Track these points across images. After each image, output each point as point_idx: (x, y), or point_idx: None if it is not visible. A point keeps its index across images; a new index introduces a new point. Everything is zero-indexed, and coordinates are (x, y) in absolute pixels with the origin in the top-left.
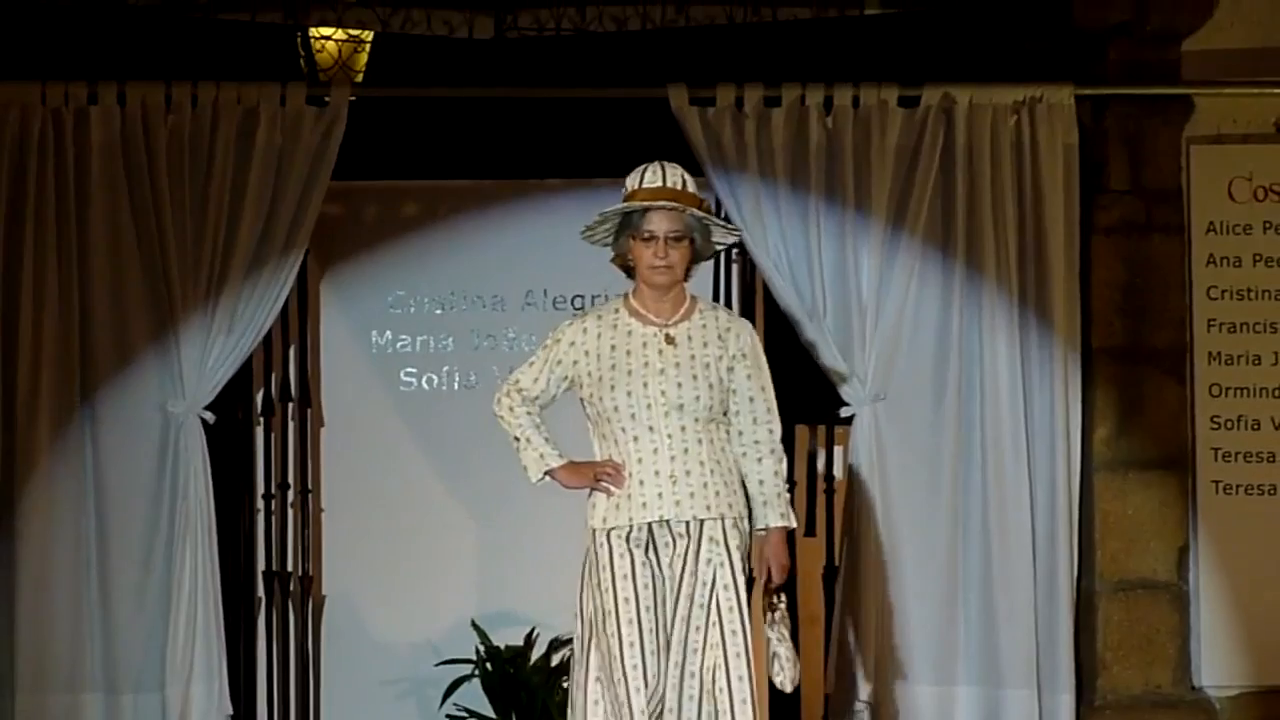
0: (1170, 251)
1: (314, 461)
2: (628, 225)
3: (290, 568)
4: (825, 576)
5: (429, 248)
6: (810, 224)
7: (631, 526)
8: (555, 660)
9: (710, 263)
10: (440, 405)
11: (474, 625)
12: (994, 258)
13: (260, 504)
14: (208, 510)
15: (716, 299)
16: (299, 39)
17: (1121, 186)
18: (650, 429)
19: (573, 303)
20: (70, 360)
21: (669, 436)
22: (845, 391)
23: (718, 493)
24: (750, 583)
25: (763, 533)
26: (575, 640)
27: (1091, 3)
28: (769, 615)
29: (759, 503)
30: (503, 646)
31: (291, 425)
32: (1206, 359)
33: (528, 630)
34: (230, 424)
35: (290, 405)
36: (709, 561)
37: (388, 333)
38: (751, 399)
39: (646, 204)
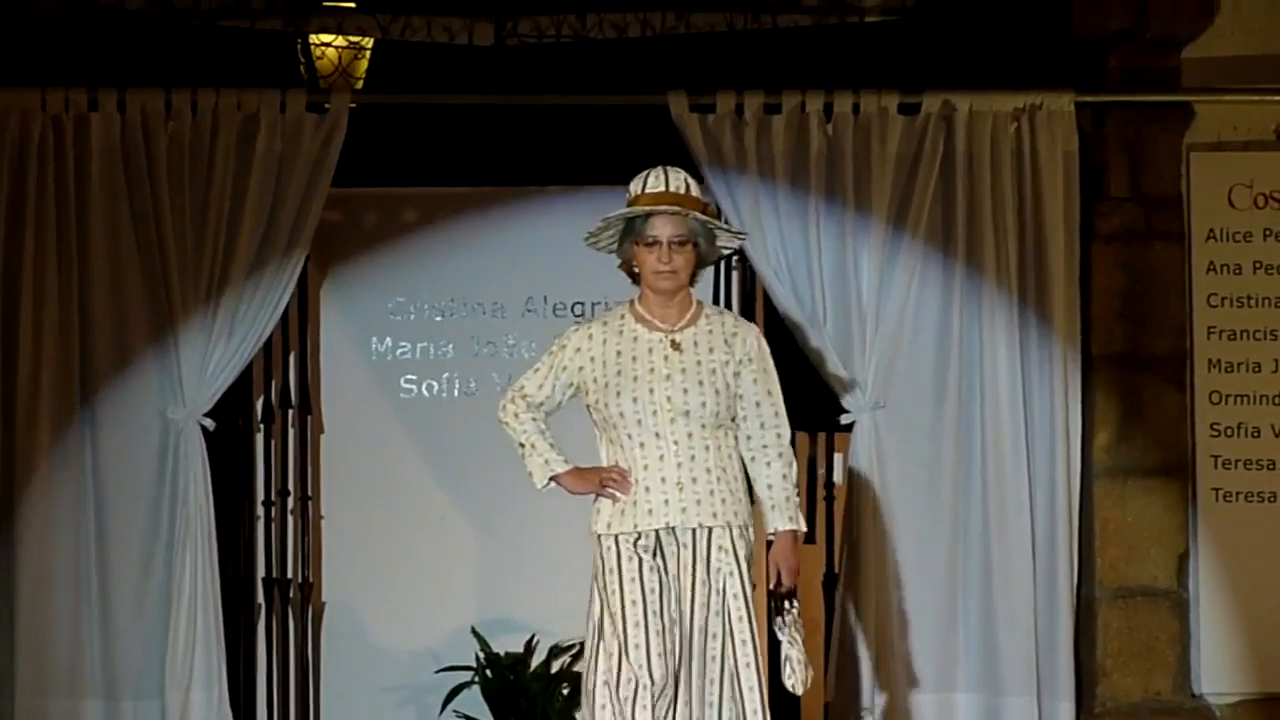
0: (1170, 258)
1: (314, 468)
2: (631, 231)
3: (290, 574)
4: (825, 583)
5: (429, 254)
6: (810, 231)
7: (638, 533)
8: (555, 667)
9: (710, 269)
10: (440, 412)
11: (474, 632)
12: (994, 265)
13: (260, 510)
14: (207, 516)
15: (717, 303)
16: (299, 46)
17: (1122, 193)
18: (657, 435)
19: (573, 309)
20: (70, 366)
21: (675, 443)
22: (845, 398)
23: (724, 500)
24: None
25: (772, 537)
26: (586, 646)
27: (1092, 10)
28: (779, 619)
29: (768, 507)
30: (503, 653)
31: (291, 432)
32: (1206, 366)
33: (528, 637)
34: (230, 430)
35: (290, 412)
36: (719, 570)
37: (388, 339)
38: (758, 403)
39: (649, 209)
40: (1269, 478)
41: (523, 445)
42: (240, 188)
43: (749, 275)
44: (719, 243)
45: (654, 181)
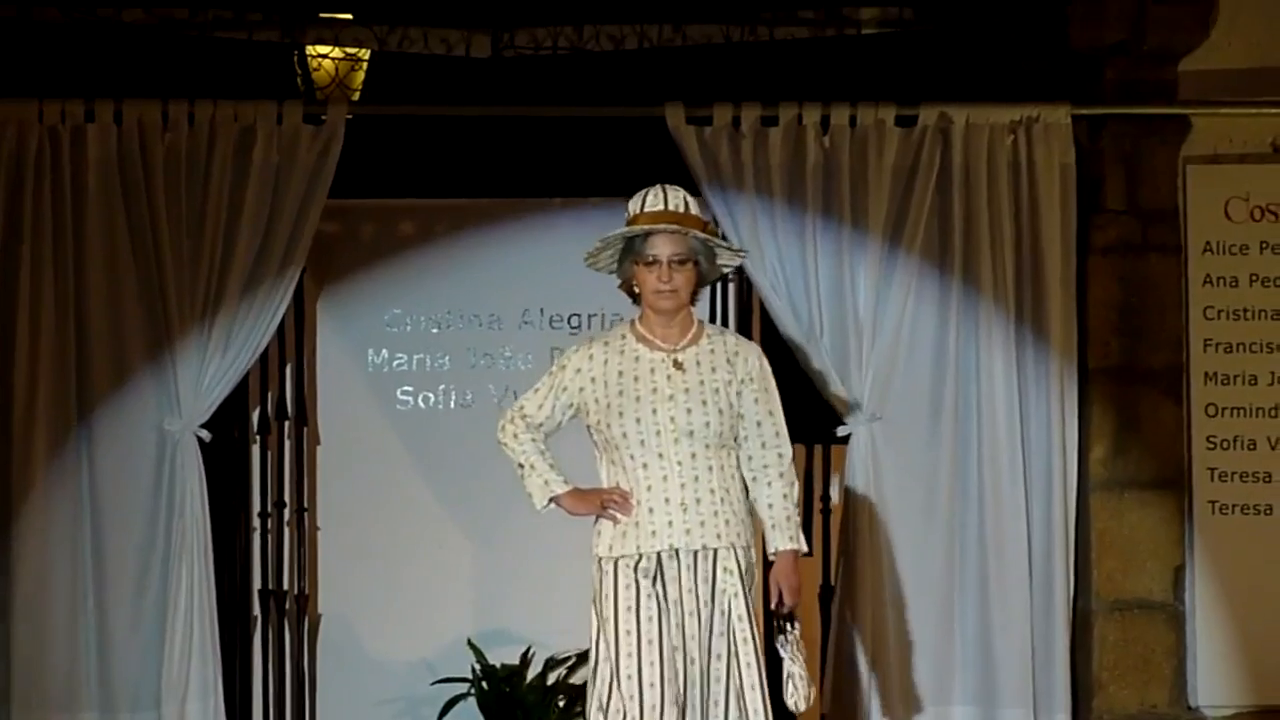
0: (1167, 271)
1: (310, 480)
2: (631, 250)
3: (286, 586)
4: (822, 596)
5: (425, 266)
6: (807, 243)
7: (640, 556)
8: (551, 679)
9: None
10: (436, 424)
11: (470, 644)
12: (991, 277)
13: (256, 522)
14: (204, 528)
15: (714, 319)
16: (296, 57)
17: (1118, 206)
18: (660, 455)
19: (569, 322)
20: (66, 378)
21: (679, 463)
22: (841, 410)
23: (728, 521)
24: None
25: (773, 556)
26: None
27: (1088, 23)
28: (780, 637)
29: (769, 526)
30: (498, 665)
31: (287, 444)
32: (1203, 379)
33: (524, 649)
34: (226, 442)
35: (286, 424)
36: (724, 591)
37: (384, 351)
38: (759, 423)
39: (648, 227)
40: (1265, 490)
41: (522, 466)
42: (237, 199)
43: (746, 289)
44: (719, 261)
45: (653, 200)
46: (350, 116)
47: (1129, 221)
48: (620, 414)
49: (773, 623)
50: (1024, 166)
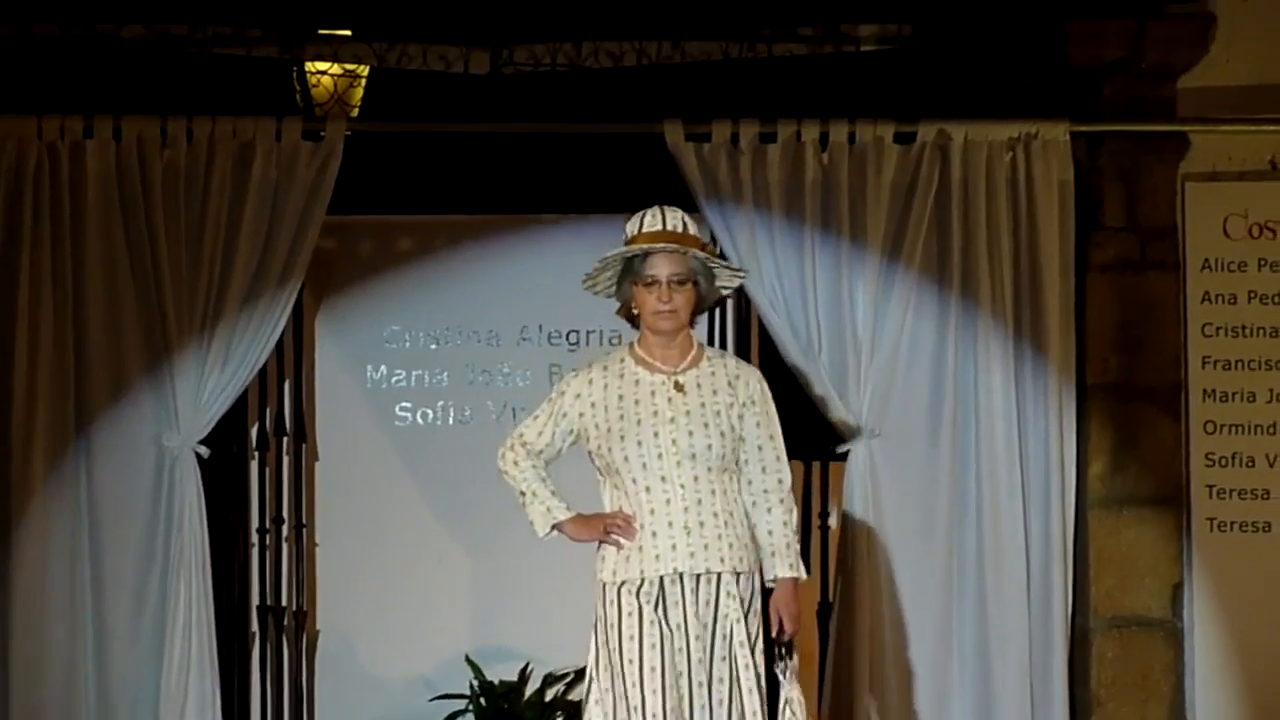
0: (1165, 288)
1: (308, 496)
2: (629, 272)
3: (284, 602)
4: (819, 613)
5: (424, 282)
6: (806, 260)
7: (643, 580)
8: (549, 695)
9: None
10: (435, 440)
11: (468, 660)
12: (989, 294)
13: (254, 538)
14: (202, 544)
15: (712, 335)
16: (295, 73)
17: (1117, 223)
18: (662, 479)
19: (568, 338)
20: (65, 394)
21: (682, 487)
22: (839, 426)
23: (731, 545)
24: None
25: (772, 583)
26: (584, 692)
27: (1087, 40)
28: (779, 664)
29: (768, 553)
30: (497, 682)
31: (286, 459)
32: (1201, 396)
33: (522, 665)
34: (225, 458)
35: (285, 439)
36: (726, 617)
37: (382, 367)
38: (760, 447)
39: (647, 247)
40: (1263, 507)
41: (523, 494)
42: (236, 215)
43: (744, 308)
44: (718, 282)
45: (650, 220)
46: (349, 133)
47: (1128, 238)
48: (621, 438)
49: (772, 649)
50: (1023, 183)
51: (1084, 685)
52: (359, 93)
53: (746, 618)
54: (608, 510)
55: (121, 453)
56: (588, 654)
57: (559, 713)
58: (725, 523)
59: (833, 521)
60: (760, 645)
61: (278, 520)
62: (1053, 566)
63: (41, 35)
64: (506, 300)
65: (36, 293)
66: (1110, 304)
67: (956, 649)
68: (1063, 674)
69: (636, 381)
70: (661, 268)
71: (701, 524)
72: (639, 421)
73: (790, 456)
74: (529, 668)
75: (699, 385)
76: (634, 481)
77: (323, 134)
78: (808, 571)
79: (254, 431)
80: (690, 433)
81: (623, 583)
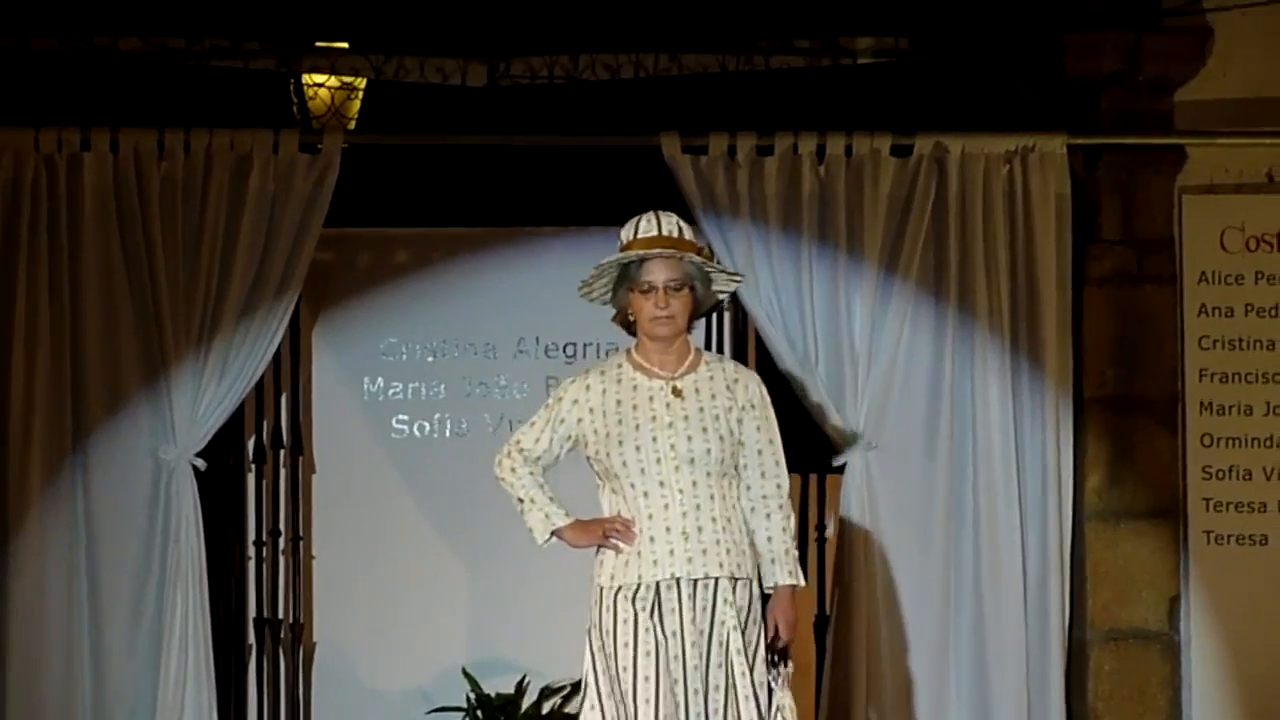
0: (1162, 301)
1: (305, 508)
2: (625, 278)
3: (281, 614)
4: (816, 625)
5: (421, 295)
6: (803, 272)
7: (640, 584)
8: (546, 708)
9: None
10: (431, 453)
11: (465, 673)
12: (986, 307)
13: (251, 551)
14: (199, 557)
15: (708, 346)
16: (292, 86)
17: (1114, 236)
18: (661, 484)
19: (565, 351)
20: (62, 406)
21: (680, 491)
22: (837, 439)
23: (729, 550)
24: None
25: (771, 590)
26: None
27: (1084, 52)
28: (773, 671)
29: (767, 559)
30: (494, 694)
31: (283, 472)
32: (1198, 409)
33: (519, 678)
34: (221, 471)
35: (281, 452)
36: (722, 624)
37: (379, 380)
38: (760, 451)
39: (643, 253)
40: (1260, 520)
41: (521, 500)
42: (233, 227)
43: (741, 320)
44: (715, 286)
45: (646, 226)
46: (346, 145)
47: (1124, 251)
48: (620, 443)
49: (767, 656)
50: (1019, 196)
51: (1081, 698)
52: (356, 105)
53: (745, 625)
54: (607, 515)
55: (118, 465)
56: (583, 659)
57: None
58: (723, 528)
59: (830, 533)
60: (760, 654)
61: (274, 533)
62: (1050, 579)
63: (39, 48)
64: (503, 313)
65: (34, 305)
66: (1107, 317)
67: (954, 661)
68: (1060, 687)
69: (635, 387)
70: (658, 273)
71: (700, 529)
72: (638, 426)
73: (787, 468)
74: (526, 680)
75: (697, 390)
76: (632, 486)
77: (320, 146)
78: (806, 579)
79: (251, 444)
80: (689, 437)
81: (620, 587)
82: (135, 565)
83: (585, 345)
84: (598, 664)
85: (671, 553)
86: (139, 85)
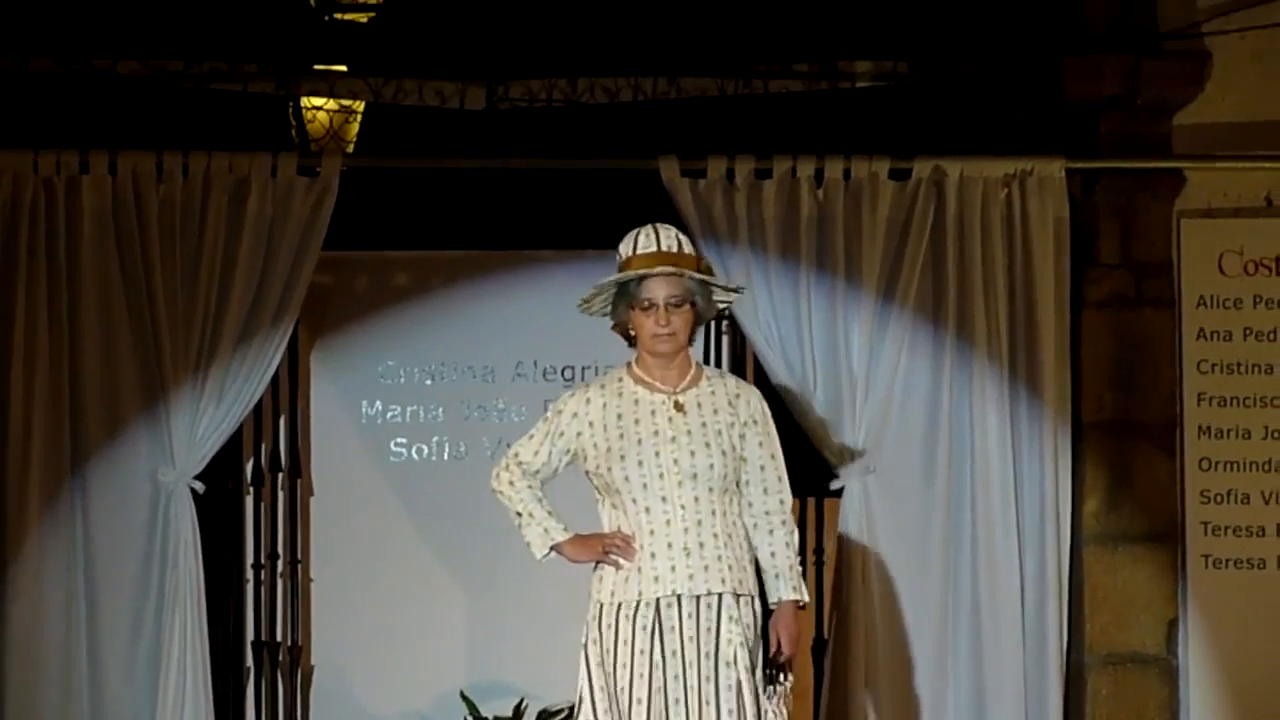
0: (1161, 325)
1: (303, 531)
2: (626, 295)
3: (279, 637)
4: (814, 649)
5: (419, 318)
6: (801, 296)
7: (640, 601)
8: None
9: (701, 335)
10: (430, 476)
11: (463, 696)
12: (984, 330)
13: (249, 574)
14: (197, 580)
15: (713, 367)
16: (290, 109)
17: (1112, 260)
18: (663, 499)
19: (563, 374)
20: (60, 428)
21: (682, 507)
22: (835, 464)
23: (730, 567)
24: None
25: (774, 605)
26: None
27: (1082, 76)
28: (771, 687)
29: (770, 575)
30: (491, 717)
31: (281, 495)
32: (1196, 433)
33: (516, 701)
34: (220, 494)
35: (280, 475)
36: (730, 642)
37: (378, 403)
38: (763, 467)
39: (643, 272)
40: (1258, 544)
41: (520, 514)
42: (231, 250)
43: (739, 342)
44: (715, 298)
45: (645, 241)
46: (345, 168)
47: (1123, 275)
48: (622, 457)
49: (768, 671)
50: (1018, 220)
51: None
52: (355, 128)
53: (749, 643)
54: (606, 530)
55: (117, 488)
56: (578, 673)
57: None
58: (725, 544)
59: (828, 557)
60: (759, 671)
61: (273, 556)
62: (1048, 603)
63: (38, 70)
64: (501, 336)
65: (32, 327)
66: (1105, 341)
67: (952, 685)
68: (1058, 710)
69: (636, 401)
70: (658, 291)
71: (701, 545)
72: (639, 441)
73: None
74: (524, 703)
75: (699, 405)
76: (634, 502)
77: (318, 169)
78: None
79: (249, 467)
80: (692, 452)
81: (620, 604)
82: (134, 588)
83: (584, 369)
84: (594, 679)
85: (673, 569)
86: (137, 108)
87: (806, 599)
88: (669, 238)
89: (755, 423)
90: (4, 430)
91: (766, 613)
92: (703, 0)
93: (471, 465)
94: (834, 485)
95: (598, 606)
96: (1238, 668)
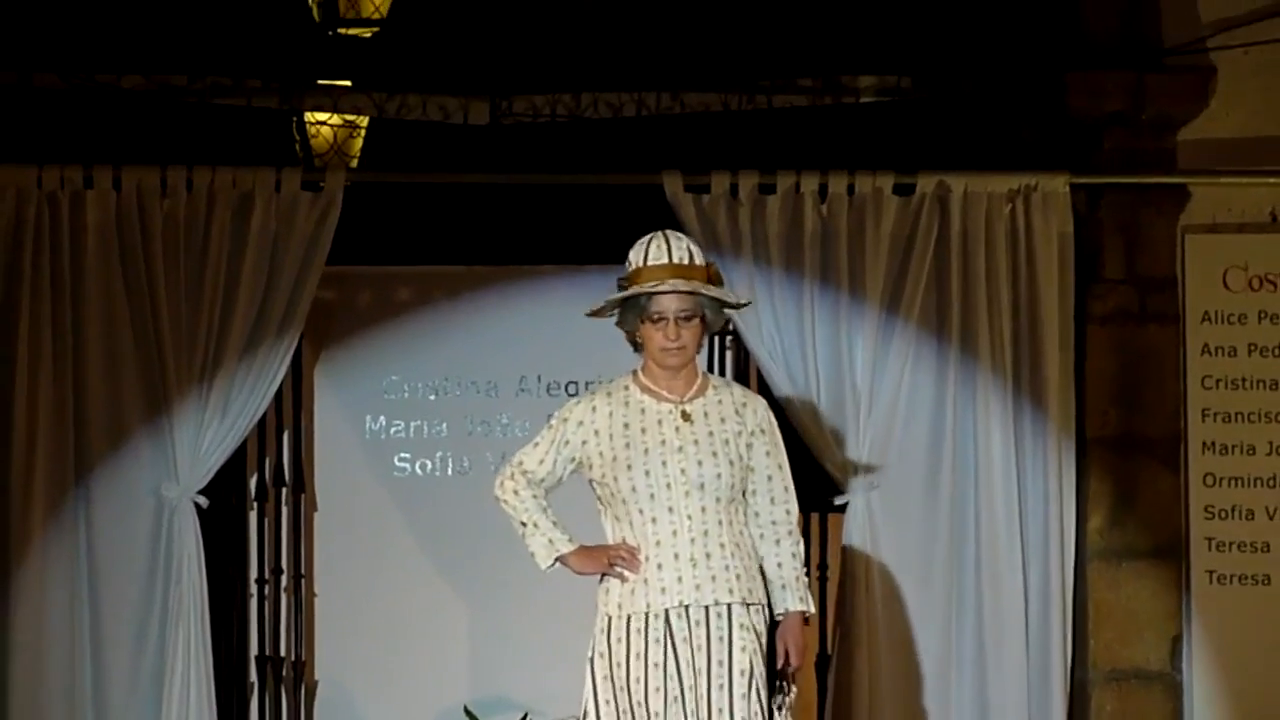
0: (1165, 341)
1: (307, 546)
2: (635, 306)
3: (283, 652)
4: (818, 664)
5: (423, 333)
6: (805, 311)
7: (649, 613)
8: None
9: (704, 349)
10: (433, 491)
11: (466, 711)
12: (989, 346)
13: (253, 589)
14: (201, 595)
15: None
16: (294, 124)
17: (1116, 275)
18: (670, 510)
19: (566, 389)
20: (65, 444)
21: (689, 517)
22: (839, 479)
23: (739, 576)
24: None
25: (781, 616)
26: None
27: (1087, 91)
28: (777, 697)
29: (777, 586)
30: None
31: (285, 510)
32: (1200, 448)
33: (520, 715)
34: (224, 508)
35: (283, 490)
36: (744, 650)
37: (381, 418)
38: (770, 477)
39: (653, 289)
40: (1263, 560)
41: (524, 524)
42: (235, 265)
43: (743, 357)
44: (724, 308)
45: (656, 252)
46: (348, 183)
47: (1127, 291)
48: (628, 467)
49: (772, 682)
50: (1022, 235)
51: None
52: (358, 143)
53: (761, 650)
54: (611, 541)
55: (120, 503)
56: (583, 686)
57: None
58: (732, 554)
59: (831, 573)
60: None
61: (276, 570)
62: (1052, 619)
63: (41, 85)
64: (505, 351)
65: (36, 342)
66: (1110, 356)
67: (955, 701)
68: None
69: (643, 410)
70: (668, 305)
71: (708, 555)
72: (646, 450)
73: None
74: (527, 717)
75: (706, 414)
76: (640, 512)
77: (322, 184)
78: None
79: (253, 482)
80: (699, 462)
81: (629, 617)
82: (137, 602)
83: (587, 383)
84: (600, 692)
85: (680, 580)
86: (142, 123)
87: (813, 610)
88: (680, 249)
89: (762, 432)
90: (8, 445)
91: (772, 624)
92: (707, 15)
93: (475, 480)
94: (838, 500)
95: (606, 619)
96: (1242, 684)
